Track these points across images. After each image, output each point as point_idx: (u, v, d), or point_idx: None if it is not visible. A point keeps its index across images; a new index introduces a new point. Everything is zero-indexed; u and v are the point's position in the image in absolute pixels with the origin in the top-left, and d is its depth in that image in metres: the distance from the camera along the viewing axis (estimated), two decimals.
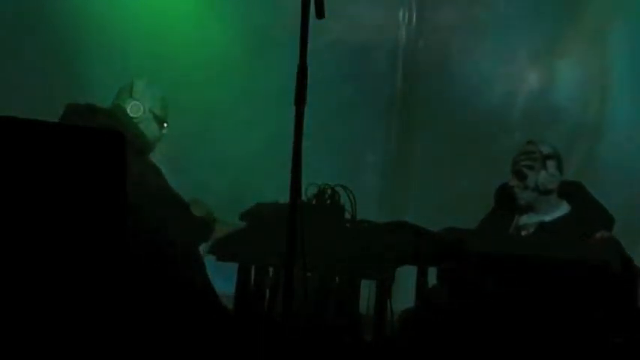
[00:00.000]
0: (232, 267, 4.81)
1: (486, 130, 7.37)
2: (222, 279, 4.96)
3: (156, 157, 5.33)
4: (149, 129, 5.25)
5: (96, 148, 3.16)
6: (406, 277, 4.81)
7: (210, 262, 4.75)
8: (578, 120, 7.24)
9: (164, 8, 6.92)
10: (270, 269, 4.76)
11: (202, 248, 4.87)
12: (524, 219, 5.35)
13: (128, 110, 5.21)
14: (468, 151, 7.35)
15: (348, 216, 4.74)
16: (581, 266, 4.61)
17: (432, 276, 4.78)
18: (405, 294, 4.86)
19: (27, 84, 6.56)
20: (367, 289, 4.89)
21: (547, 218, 5.32)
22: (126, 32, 6.72)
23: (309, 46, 3.53)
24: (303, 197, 4.29)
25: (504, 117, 7.38)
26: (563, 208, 5.35)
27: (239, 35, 7.05)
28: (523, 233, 5.30)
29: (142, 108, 5.22)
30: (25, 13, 6.61)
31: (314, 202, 4.69)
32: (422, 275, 4.75)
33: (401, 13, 7.45)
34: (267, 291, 4.79)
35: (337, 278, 4.68)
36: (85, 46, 6.65)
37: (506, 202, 5.36)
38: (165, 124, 5.31)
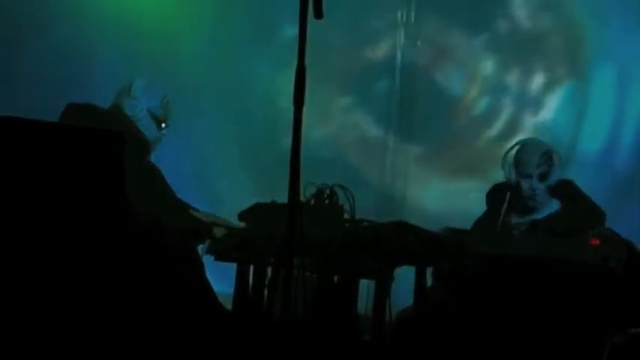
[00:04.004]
0: (231, 267, 4.81)
1: (486, 129, 7.39)
2: (221, 279, 4.96)
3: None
4: (147, 129, 5.25)
5: (95, 148, 3.16)
6: (406, 277, 4.80)
7: (209, 261, 4.74)
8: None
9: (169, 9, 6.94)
10: (269, 269, 4.76)
11: (201, 248, 4.87)
12: (516, 218, 5.35)
13: (125, 109, 5.21)
14: (467, 149, 7.36)
15: (346, 216, 4.74)
16: (581, 266, 4.61)
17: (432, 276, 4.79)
18: (404, 294, 4.86)
19: (27, 83, 6.56)
20: (367, 289, 4.89)
21: (538, 216, 5.33)
22: (130, 32, 6.73)
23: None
24: (302, 197, 4.28)
25: (503, 116, 7.40)
26: (553, 205, 5.36)
27: None
28: (515, 232, 5.30)
29: (138, 107, 5.23)
30: (25, 12, 6.61)
31: (312, 202, 4.69)
32: (421, 275, 4.74)
33: (400, 14, 7.45)
34: (266, 291, 4.79)
35: (336, 278, 4.67)
36: (86, 45, 6.65)
37: (501, 203, 5.36)
38: (164, 125, 5.31)
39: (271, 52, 7.06)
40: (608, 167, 6.98)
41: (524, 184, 5.29)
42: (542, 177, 5.28)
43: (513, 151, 5.37)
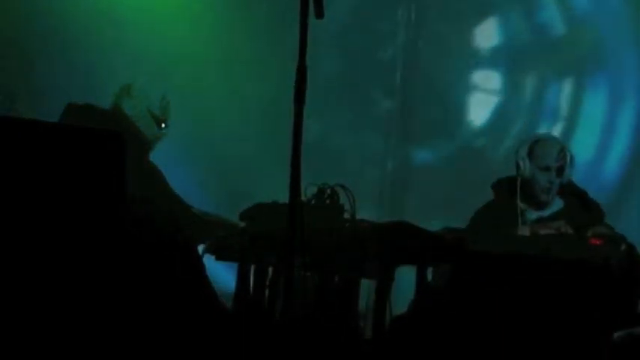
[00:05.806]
0: (232, 266, 4.81)
1: (486, 129, 7.40)
2: (222, 278, 4.96)
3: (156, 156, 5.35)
4: (147, 128, 5.26)
5: (95, 148, 3.17)
6: (406, 277, 4.81)
7: (209, 261, 4.75)
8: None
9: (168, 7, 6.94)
10: (270, 269, 4.76)
11: (201, 248, 4.87)
12: (524, 214, 5.35)
13: (125, 109, 5.22)
14: (468, 149, 7.37)
15: (347, 216, 4.74)
16: (580, 266, 4.61)
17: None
18: (405, 294, 4.87)
19: (27, 83, 6.56)
20: (367, 289, 4.89)
21: (545, 213, 5.33)
22: (130, 31, 6.73)
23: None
24: (303, 197, 4.29)
25: (503, 115, 7.42)
26: (558, 203, 5.37)
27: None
28: (528, 229, 5.31)
29: (138, 107, 5.23)
30: (27, 12, 6.61)
31: (313, 201, 4.70)
32: (421, 275, 4.74)
33: (400, 13, 7.46)
34: (267, 290, 4.79)
35: (337, 278, 4.68)
36: (87, 45, 6.66)
37: (507, 198, 5.36)
38: (164, 124, 5.31)
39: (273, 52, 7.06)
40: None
41: (541, 177, 5.29)
42: (559, 171, 5.29)
43: (527, 145, 5.36)
